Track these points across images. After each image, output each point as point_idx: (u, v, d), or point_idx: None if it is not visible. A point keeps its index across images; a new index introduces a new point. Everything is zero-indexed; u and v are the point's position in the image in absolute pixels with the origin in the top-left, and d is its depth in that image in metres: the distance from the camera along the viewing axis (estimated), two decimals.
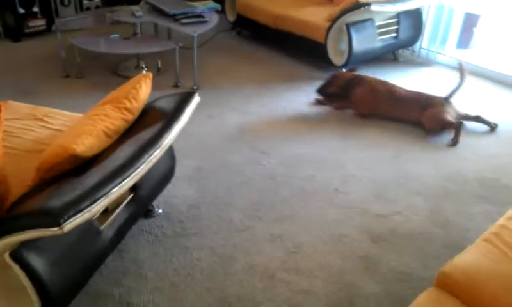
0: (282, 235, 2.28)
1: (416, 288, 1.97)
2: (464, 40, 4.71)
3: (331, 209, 2.47)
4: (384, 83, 3.46)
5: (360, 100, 3.46)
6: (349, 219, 2.40)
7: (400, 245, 2.24)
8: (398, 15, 4.18)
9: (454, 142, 3.12)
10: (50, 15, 4.98)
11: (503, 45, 4.70)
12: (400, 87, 3.43)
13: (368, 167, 2.85)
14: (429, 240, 2.27)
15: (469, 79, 4.12)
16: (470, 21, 4.64)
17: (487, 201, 2.56)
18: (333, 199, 2.55)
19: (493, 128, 3.33)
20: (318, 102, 3.64)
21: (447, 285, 1.43)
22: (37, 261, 1.45)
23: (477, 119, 3.35)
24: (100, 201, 1.42)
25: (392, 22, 4.19)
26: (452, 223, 2.39)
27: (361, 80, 3.50)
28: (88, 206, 1.38)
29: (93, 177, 1.51)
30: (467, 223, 2.39)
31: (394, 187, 2.67)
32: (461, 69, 3.25)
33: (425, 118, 3.24)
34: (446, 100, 3.26)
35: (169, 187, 2.56)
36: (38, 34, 4.92)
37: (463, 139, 3.15)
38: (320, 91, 3.62)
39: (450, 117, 3.18)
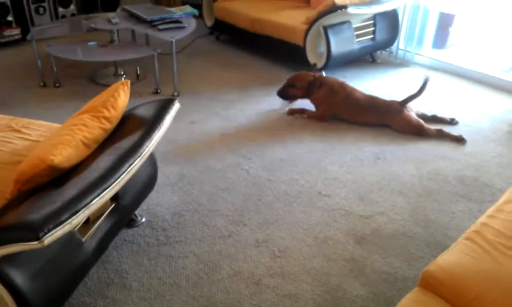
0: (267, 239, 2.28)
1: (401, 288, 1.99)
2: (440, 40, 4.78)
3: (315, 212, 2.48)
4: (344, 86, 3.42)
5: (321, 103, 3.45)
6: (333, 222, 2.41)
7: (385, 245, 2.25)
8: (374, 17, 4.23)
9: (461, 140, 3.17)
10: (25, 24, 4.90)
11: (479, 43, 4.79)
12: (358, 91, 3.42)
13: (350, 169, 2.87)
14: (412, 239, 2.29)
15: (445, 79, 4.20)
16: (445, 21, 4.72)
17: (467, 199, 2.60)
18: (317, 202, 2.56)
19: (453, 123, 3.41)
20: (291, 112, 3.55)
21: (431, 285, 1.44)
22: (17, 275, 1.42)
23: (434, 118, 3.41)
24: (80, 212, 1.39)
25: (369, 24, 4.23)
26: (434, 222, 2.42)
27: (322, 82, 3.45)
28: (68, 218, 1.35)
29: (72, 188, 1.48)
30: (449, 221, 2.42)
31: (376, 188, 2.69)
32: (425, 82, 3.25)
33: (398, 125, 3.28)
34: (401, 105, 3.28)
35: (152, 195, 2.53)
36: (13, 43, 4.84)
37: (442, 138, 3.20)
38: (282, 93, 3.52)
39: (419, 121, 3.25)
